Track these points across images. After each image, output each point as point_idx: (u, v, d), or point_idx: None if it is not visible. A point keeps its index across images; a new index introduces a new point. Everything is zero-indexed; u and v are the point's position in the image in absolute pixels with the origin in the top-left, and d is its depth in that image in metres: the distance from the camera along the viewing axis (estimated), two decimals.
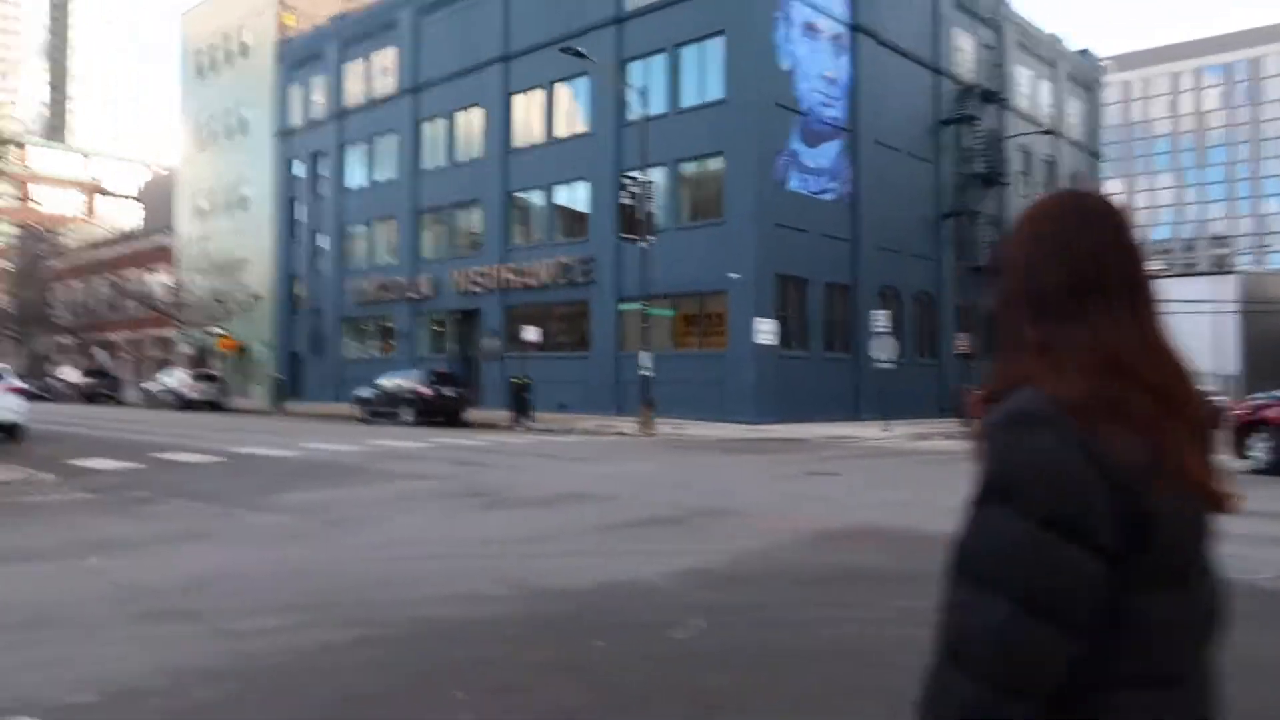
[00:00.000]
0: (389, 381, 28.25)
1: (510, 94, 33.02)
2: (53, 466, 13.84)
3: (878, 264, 30.00)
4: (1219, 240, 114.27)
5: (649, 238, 24.08)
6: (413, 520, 9.17)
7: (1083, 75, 43.29)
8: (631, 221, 23.97)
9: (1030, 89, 38.86)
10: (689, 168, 28.18)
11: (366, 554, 7.32)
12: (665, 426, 23.05)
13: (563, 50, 24.39)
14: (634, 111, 26.80)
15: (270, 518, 9.21)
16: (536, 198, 32.50)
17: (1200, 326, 52.48)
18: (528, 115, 32.72)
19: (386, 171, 38.49)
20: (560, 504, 10.22)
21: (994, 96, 35.23)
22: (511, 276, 32.26)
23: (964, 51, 34.82)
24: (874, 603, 5.78)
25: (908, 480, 13.18)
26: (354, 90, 40.18)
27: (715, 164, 27.26)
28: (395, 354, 36.59)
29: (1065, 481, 1.08)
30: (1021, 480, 1.10)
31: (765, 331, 25.91)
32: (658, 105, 27.44)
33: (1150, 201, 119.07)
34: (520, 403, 25.33)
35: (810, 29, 27.92)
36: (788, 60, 27.13)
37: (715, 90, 27.14)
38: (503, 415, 27.04)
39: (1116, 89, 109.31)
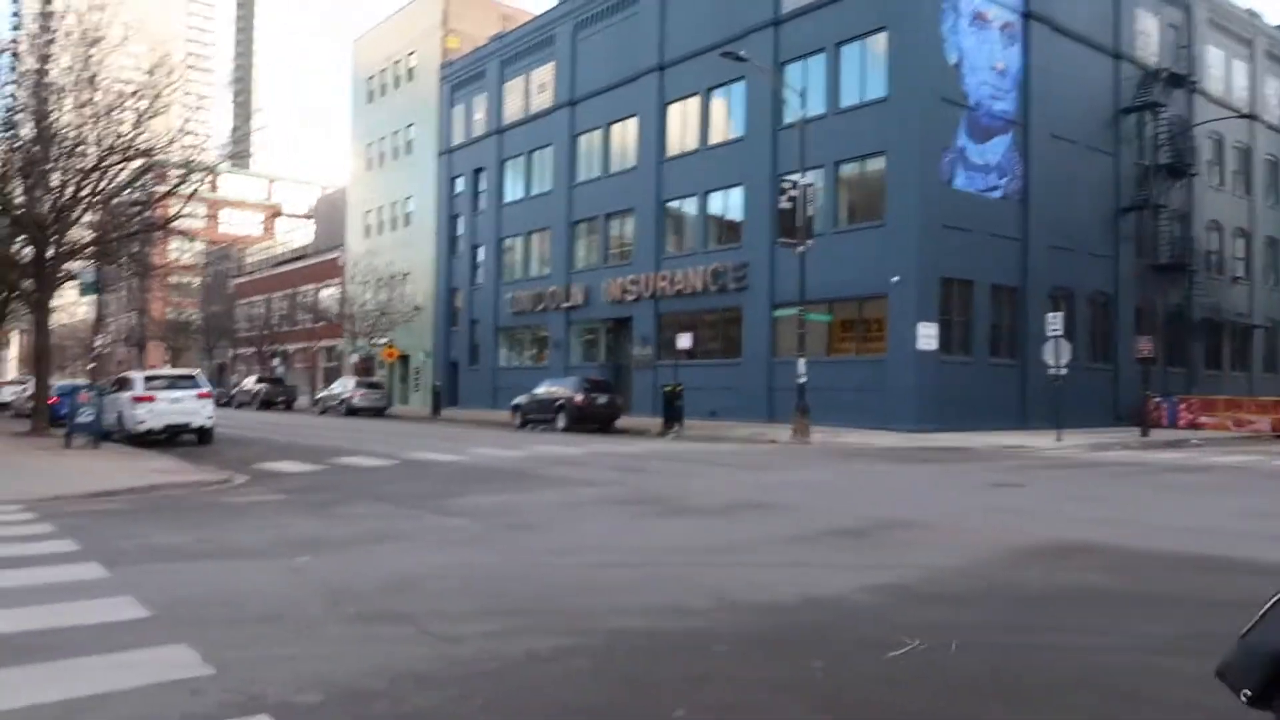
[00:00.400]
0: (543, 389, 28.81)
1: (666, 103, 33.11)
2: (244, 469, 14.67)
3: (1049, 263, 28.38)
4: None
5: (807, 242, 23.56)
6: (593, 526, 9.12)
7: None
8: (790, 226, 23.50)
9: (1223, 70, 35.90)
10: (849, 169, 27.45)
11: (555, 559, 7.28)
12: (820, 434, 22.47)
13: (723, 55, 24.22)
14: (792, 113, 26.33)
15: (453, 520, 9.36)
16: (690, 205, 32.43)
17: None
18: (683, 123, 32.72)
19: (543, 184, 39.32)
20: (738, 513, 9.97)
21: (1182, 80, 32.75)
22: (664, 284, 32.29)
23: (1148, 34, 32.52)
24: (1108, 628, 5.26)
25: (1100, 494, 12.23)
26: (513, 106, 41.30)
27: (876, 164, 26.44)
28: (548, 362, 37.30)
29: None
30: None
31: (927, 336, 24.92)
32: (816, 106, 26.90)
33: None
34: (672, 410, 25.27)
35: (979, 19, 26.72)
36: (954, 53, 26.04)
37: (877, 88, 26.34)
38: (653, 422, 27.04)
39: None
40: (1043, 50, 28.22)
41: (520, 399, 29.60)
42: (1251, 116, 35.88)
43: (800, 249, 23.33)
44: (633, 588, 6.28)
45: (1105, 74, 30.65)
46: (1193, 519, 9.69)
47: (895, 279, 25.10)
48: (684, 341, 27.57)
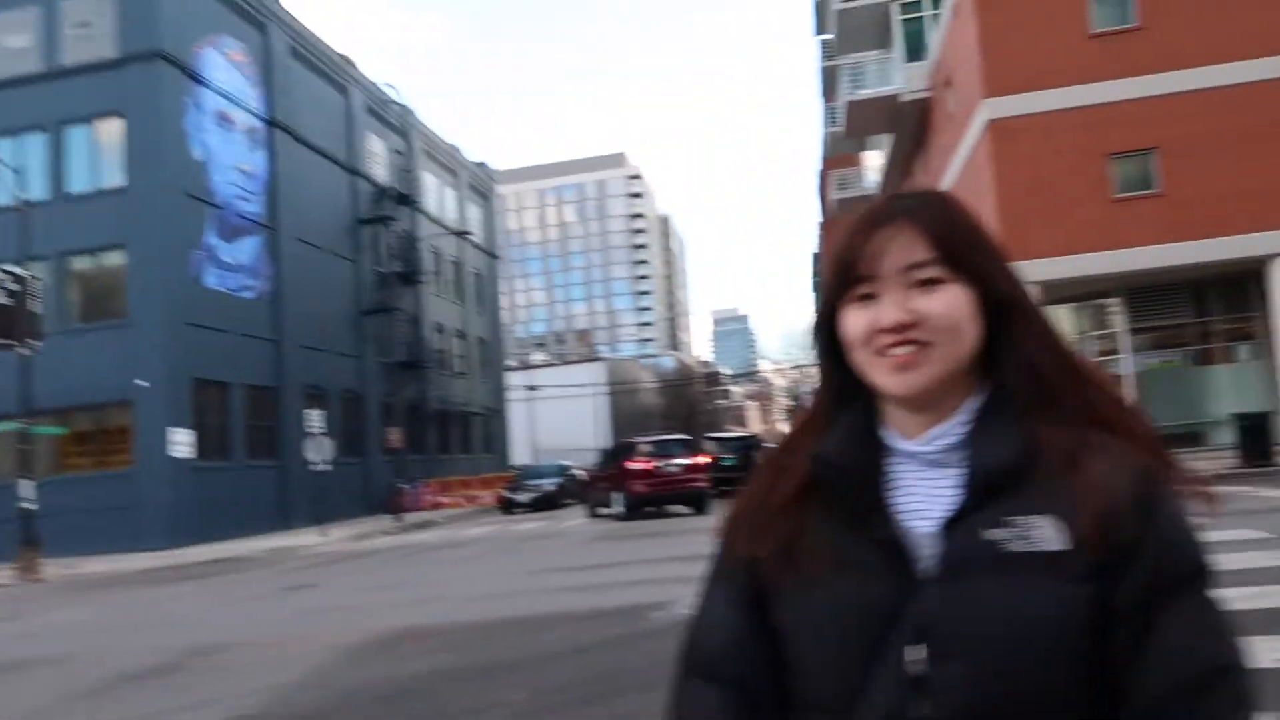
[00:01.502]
0: None
1: None
2: None
3: (303, 363, 28.90)
4: (584, 333, 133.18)
5: (31, 342, 20.07)
6: None
7: (480, 184, 47.51)
8: (8, 324, 19.74)
9: (437, 194, 41.46)
10: (82, 262, 24.34)
11: None
12: (54, 567, 18.95)
13: None
14: (8, 195, 22.33)
15: None
16: None
17: (583, 406, 60.42)
18: None
19: None
20: None
21: (407, 199, 36.78)
22: None
23: (377, 155, 35.87)
24: (479, 701, 5.28)
25: (393, 580, 12.64)
26: None
27: (115, 258, 23.95)
28: None
29: None
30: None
31: (182, 443, 23.14)
32: (37, 190, 23.33)
33: (527, 301, 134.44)
34: None
35: (224, 119, 26.32)
36: (200, 149, 25.14)
37: (114, 177, 23.98)
38: None
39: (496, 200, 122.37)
40: (287, 157, 29.03)
41: None
42: (462, 234, 42.04)
43: (23, 351, 19.75)
44: None
45: (344, 186, 32.85)
46: (487, 586, 10.54)
47: (142, 382, 22.83)
48: None
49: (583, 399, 56.69)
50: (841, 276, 1.01)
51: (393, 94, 37.66)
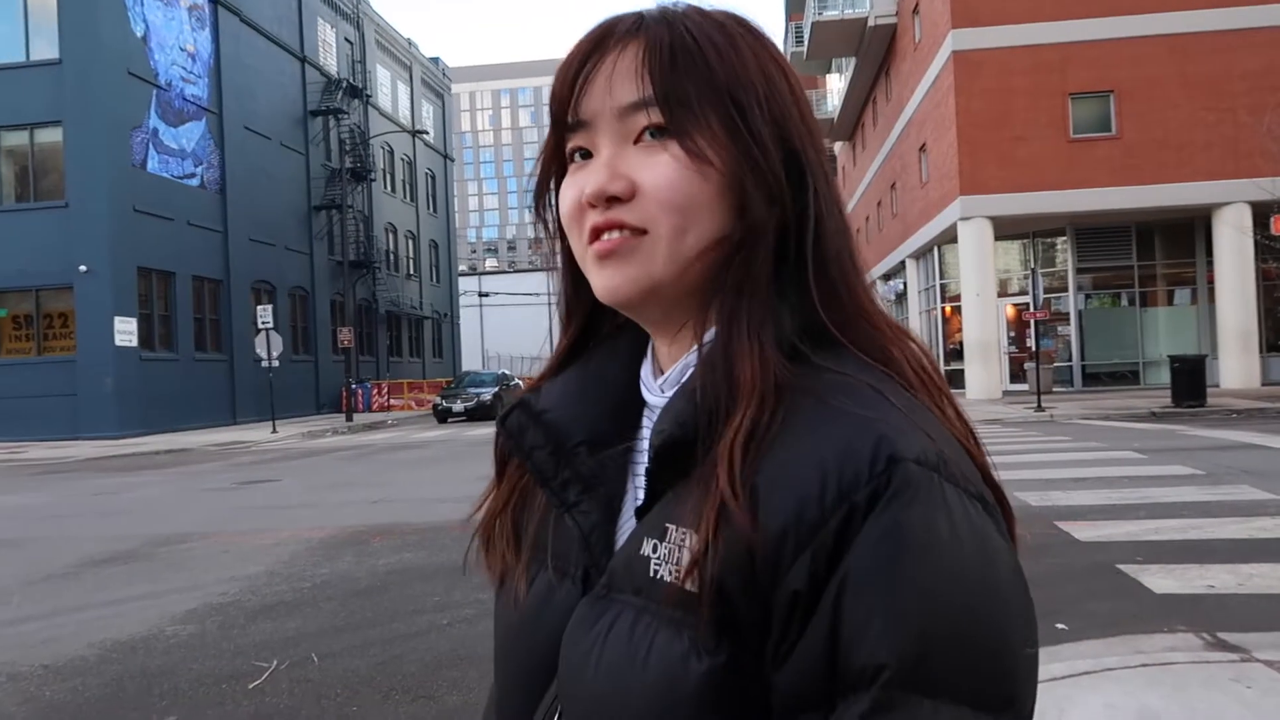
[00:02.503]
0: None
1: None
2: None
3: (251, 257, 28.33)
4: (536, 241, 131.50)
5: None
6: None
7: (435, 82, 46.16)
8: None
9: (390, 89, 40.22)
10: (15, 137, 23.32)
11: None
12: None
13: None
14: None
15: None
16: None
17: (536, 315, 60.22)
18: None
19: None
20: None
21: (358, 92, 35.67)
22: None
23: (329, 44, 34.59)
24: (448, 601, 5.51)
25: (352, 478, 12.79)
26: None
27: (51, 135, 22.98)
28: None
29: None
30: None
31: (126, 332, 22.75)
32: None
33: (479, 205, 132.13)
34: None
35: None
36: (140, 25, 24.01)
37: (48, 48, 22.84)
38: None
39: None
40: (233, 40, 27.88)
41: None
42: (416, 133, 41.02)
43: None
44: None
45: (294, 76, 31.71)
46: (443, 490, 10.76)
47: (84, 268, 22.25)
48: None
49: (534, 307, 56.58)
50: (554, 124, 0.70)
51: None
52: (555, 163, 0.71)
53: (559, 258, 0.76)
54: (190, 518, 9.60)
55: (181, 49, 25.72)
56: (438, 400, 27.53)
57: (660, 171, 0.63)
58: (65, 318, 22.97)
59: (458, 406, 26.59)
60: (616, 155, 0.65)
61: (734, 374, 0.61)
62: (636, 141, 0.65)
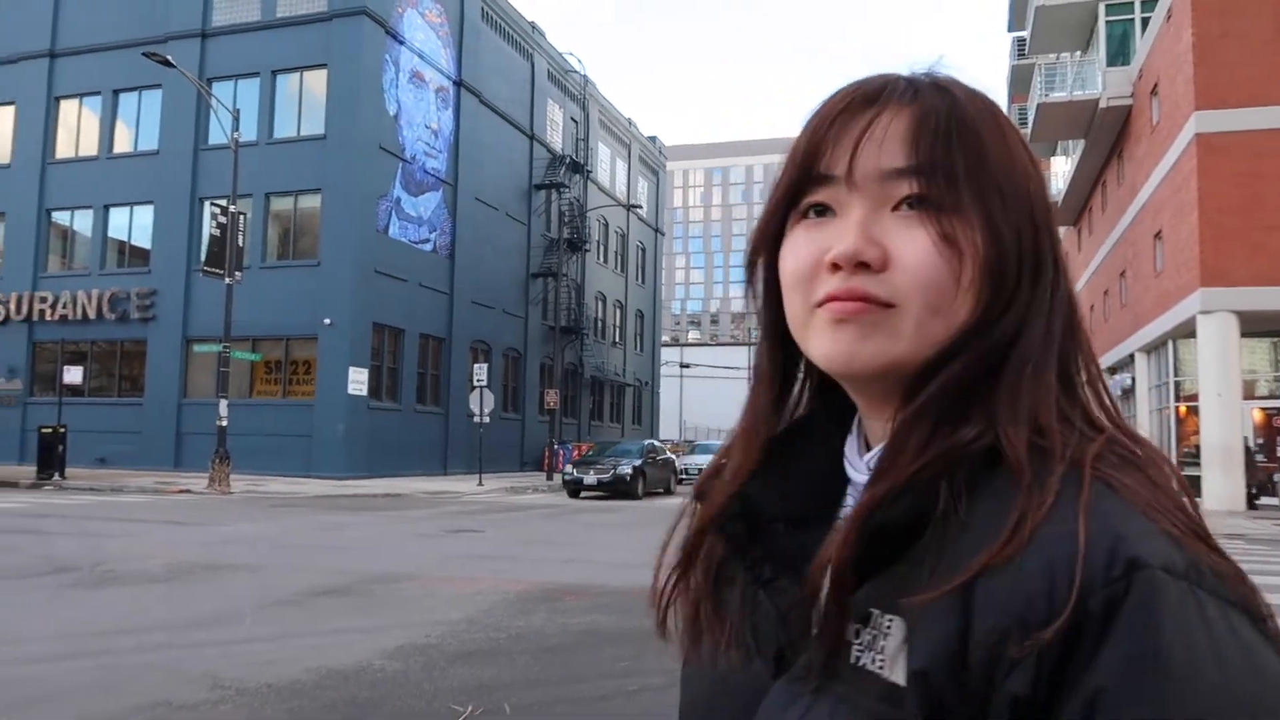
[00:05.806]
0: None
1: (57, 97, 28.25)
2: None
3: (471, 318, 30.26)
4: (738, 316, 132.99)
5: (236, 274, 21.85)
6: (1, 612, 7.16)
7: (651, 159, 48.10)
8: (218, 254, 21.56)
9: (609, 166, 42.27)
10: (282, 202, 26.24)
11: None
12: (241, 482, 20.85)
13: (146, 54, 21.38)
14: (224, 135, 24.33)
15: None
16: (84, 219, 27.99)
17: (734, 389, 60.47)
18: (78, 124, 28.20)
19: None
20: (188, 578, 8.66)
21: (580, 168, 37.69)
22: (43, 307, 27.32)
23: (556, 123, 36.89)
24: (639, 666, 5.59)
25: (548, 536, 13.23)
26: None
27: (311, 201, 25.69)
28: None
29: None
30: None
31: (358, 382, 24.76)
32: (248, 132, 25.27)
33: (685, 279, 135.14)
34: (50, 456, 21.30)
35: (417, 78, 27.71)
36: (394, 104, 26.60)
37: (315, 125, 25.70)
38: (23, 471, 22.56)
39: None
40: (471, 118, 30.29)
41: None
42: (631, 207, 42.74)
43: (229, 280, 21.54)
44: (100, 686, 5.04)
45: (522, 151, 33.98)
46: (638, 555, 10.91)
47: (328, 321, 24.51)
48: (73, 376, 23.49)
49: (733, 381, 56.94)
50: (796, 174, 0.65)
51: (575, 64, 38.57)
52: (785, 208, 0.66)
53: (761, 316, 0.70)
54: (401, 559, 10.23)
55: (426, 126, 28.21)
56: (568, 470, 23.21)
57: (922, 247, 0.60)
58: (309, 365, 25.29)
59: (590, 478, 22.09)
60: (871, 220, 0.61)
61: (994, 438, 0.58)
62: (894, 209, 0.62)
